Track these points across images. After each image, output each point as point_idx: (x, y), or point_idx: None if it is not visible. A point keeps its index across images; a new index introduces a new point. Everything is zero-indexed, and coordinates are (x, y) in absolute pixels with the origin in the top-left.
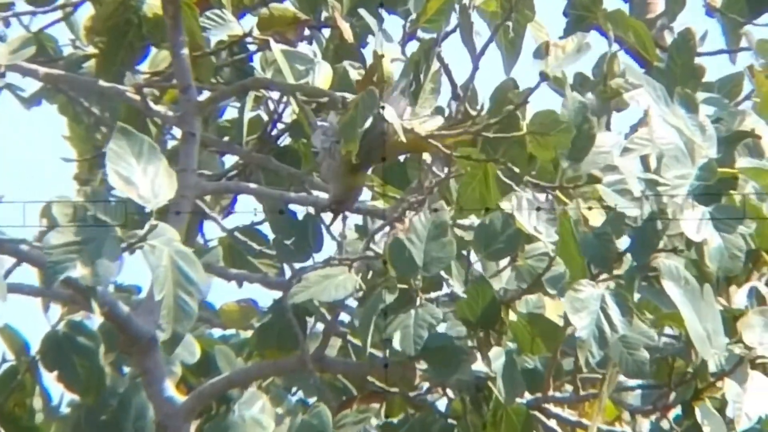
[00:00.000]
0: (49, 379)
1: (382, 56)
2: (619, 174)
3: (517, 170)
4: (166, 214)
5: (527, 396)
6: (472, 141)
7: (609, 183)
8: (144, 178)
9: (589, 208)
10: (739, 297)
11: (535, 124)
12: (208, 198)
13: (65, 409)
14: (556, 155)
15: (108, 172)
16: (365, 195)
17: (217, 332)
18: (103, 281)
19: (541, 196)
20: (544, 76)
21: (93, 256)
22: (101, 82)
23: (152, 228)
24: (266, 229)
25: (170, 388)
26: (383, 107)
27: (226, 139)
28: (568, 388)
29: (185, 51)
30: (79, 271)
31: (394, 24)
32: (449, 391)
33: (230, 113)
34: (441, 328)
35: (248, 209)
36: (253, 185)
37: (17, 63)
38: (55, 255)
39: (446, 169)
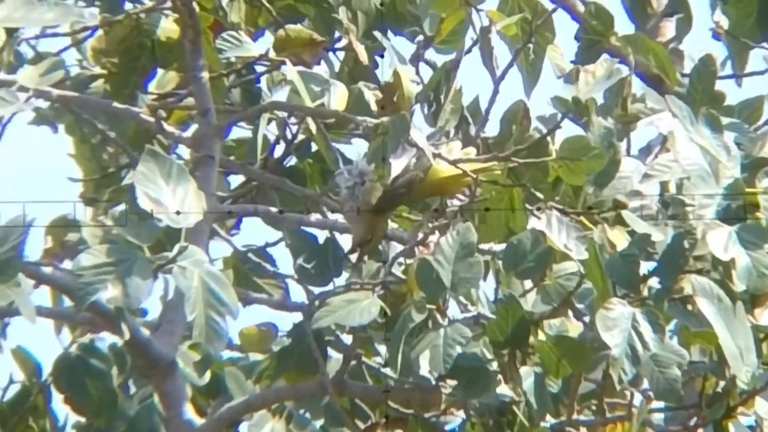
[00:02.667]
0: (56, 401)
1: (401, 75)
2: (643, 199)
3: (540, 196)
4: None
5: (551, 420)
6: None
7: (633, 209)
8: (173, 199)
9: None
10: (764, 317)
11: (564, 149)
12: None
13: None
14: (584, 182)
15: (137, 194)
16: None
17: (226, 354)
18: (134, 303)
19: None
20: (576, 102)
21: (124, 277)
22: (115, 104)
23: (182, 249)
24: (274, 251)
25: (189, 412)
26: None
27: (231, 158)
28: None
29: (205, 75)
30: (109, 293)
31: (401, 47)
32: (469, 416)
33: (235, 133)
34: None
35: (252, 230)
36: (273, 209)
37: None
38: (86, 276)
39: (469, 193)
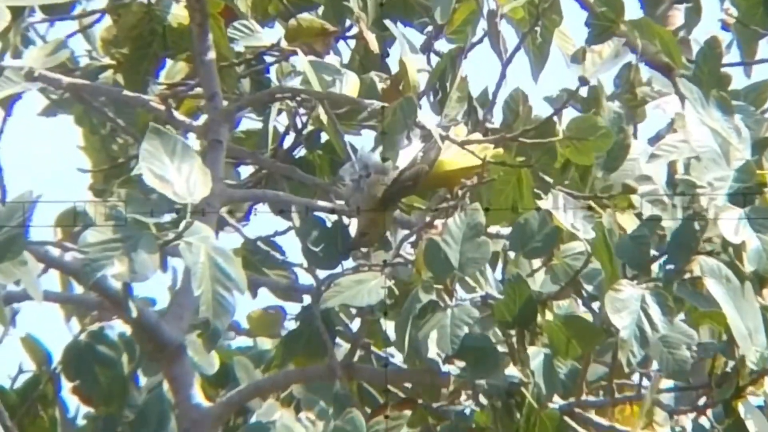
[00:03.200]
0: (66, 390)
1: (406, 65)
2: (653, 184)
3: (549, 180)
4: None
5: (560, 401)
6: (504, 148)
7: (642, 193)
8: (179, 176)
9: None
10: None
11: (572, 129)
12: (223, 209)
13: (81, 422)
14: (592, 162)
15: (142, 171)
16: None
17: (235, 344)
18: (140, 278)
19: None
20: (583, 81)
21: (130, 252)
22: (125, 92)
23: (188, 225)
24: (282, 241)
25: (198, 395)
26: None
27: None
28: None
29: (212, 57)
30: (116, 269)
31: (411, 37)
32: (479, 399)
33: (245, 124)
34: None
35: (262, 220)
36: (281, 193)
37: (41, 72)
38: (92, 253)
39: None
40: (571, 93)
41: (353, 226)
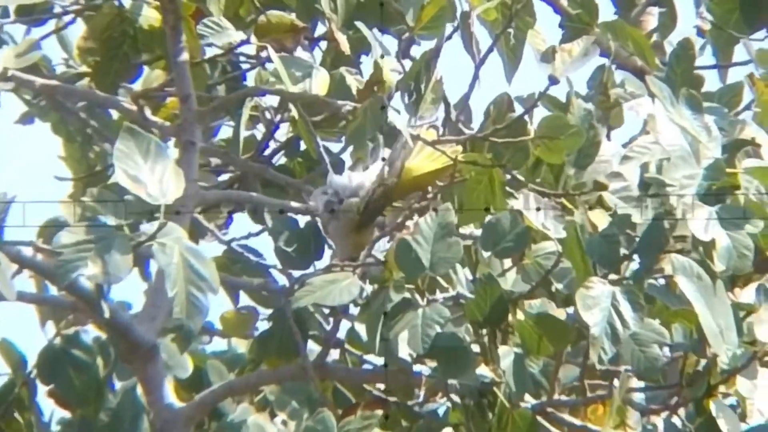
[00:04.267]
0: (42, 395)
1: (381, 65)
2: (624, 181)
3: (521, 178)
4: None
5: (532, 401)
6: (475, 148)
7: (614, 190)
8: (152, 176)
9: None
10: (745, 295)
11: (543, 128)
12: (201, 216)
13: (55, 428)
14: (563, 161)
15: (116, 171)
16: None
17: (209, 348)
18: (114, 279)
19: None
20: (553, 80)
21: (103, 254)
22: (97, 92)
23: (161, 226)
24: (259, 245)
25: (170, 395)
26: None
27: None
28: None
29: (185, 58)
30: (90, 270)
31: (387, 43)
32: (451, 398)
33: (225, 132)
34: None
35: (243, 228)
36: (253, 194)
37: (14, 73)
38: (66, 254)
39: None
40: (541, 92)
41: (336, 248)
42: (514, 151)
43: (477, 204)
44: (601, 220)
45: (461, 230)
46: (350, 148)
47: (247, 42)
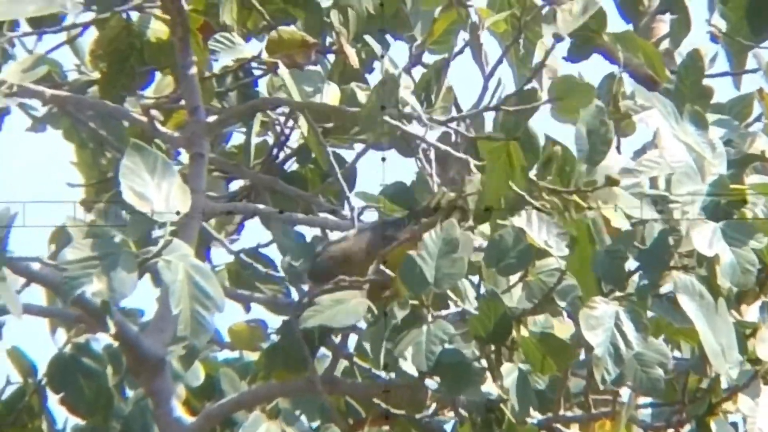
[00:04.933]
0: (54, 402)
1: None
2: (635, 177)
3: (531, 177)
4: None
5: (538, 416)
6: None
7: (625, 186)
8: (158, 193)
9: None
10: (750, 313)
11: (554, 90)
12: (212, 223)
13: None
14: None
15: (122, 188)
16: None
17: (221, 356)
18: (119, 297)
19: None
20: (558, 38)
21: (109, 271)
22: (108, 103)
23: (167, 243)
24: (271, 253)
25: (178, 409)
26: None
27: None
28: (577, 410)
29: (194, 71)
30: (95, 287)
31: (398, 50)
32: (459, 413)
33: (236, 139)
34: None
35: (255, 235)
36: (261, 206)
37: (24, 84)
38: (71, 270)
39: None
40: (548, 51)
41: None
42: (525, 149)
43: (497, 181)
44: (615, 216)
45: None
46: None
47: (258, 58)
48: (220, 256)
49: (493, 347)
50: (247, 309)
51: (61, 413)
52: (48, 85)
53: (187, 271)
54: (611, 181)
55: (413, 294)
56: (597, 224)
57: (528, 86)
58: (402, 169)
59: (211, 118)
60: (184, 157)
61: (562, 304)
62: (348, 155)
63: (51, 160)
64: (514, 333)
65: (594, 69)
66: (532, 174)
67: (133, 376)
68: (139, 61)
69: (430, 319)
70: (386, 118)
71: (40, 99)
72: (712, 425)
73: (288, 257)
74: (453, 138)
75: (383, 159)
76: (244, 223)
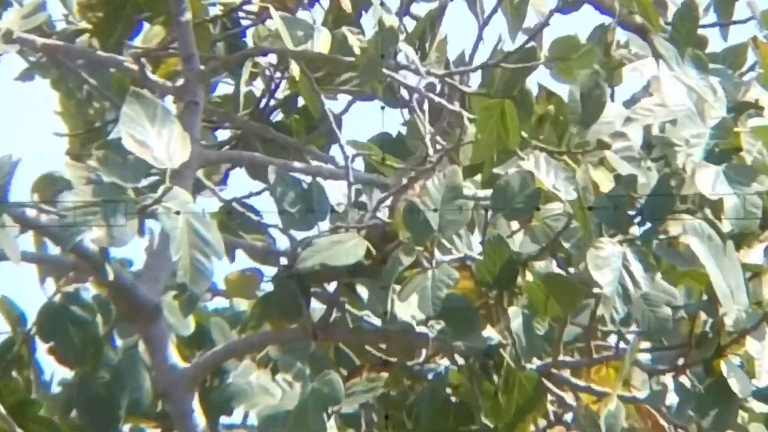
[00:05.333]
0: (41, 353)
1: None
2: (627, 141)
3: (524, 135)
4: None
5: (537, 362)
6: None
7: (617, 150)
8: (158, 140)
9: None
10: (753, 256)
11: (554, 49)
12: (199, 172)
13: (56, 389)
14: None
15: (122, 136)
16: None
17: (211, 304)
18: (118, 243)
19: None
20: None
21: (109, 218)
22: (99, 52)
23: (167, 190)
24: (258, 203)
25: (174, 356)
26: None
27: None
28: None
29: (188, 18)
30: (94, 234)
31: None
32: (454, 359)
33: (222, 89)
34: None
35: (239, 184)
36: (257, 154)
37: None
38: (71, 217)
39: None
40: (551, 11)
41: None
42: (518, 107)
43: (489, 139)
44: (603, 180)
45: (466, 192)
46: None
47: (248, 2)
48: (206, 204)
49: (495, 293)
50: (232, 259)
51: (48, 365)
52: (38, 34)
53: (186, 219)
54: (602, 145)
55: (417, 240)
56: (587, 190)
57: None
58: (388, 119)
59: (202, 67)
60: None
61: (567, 245)
62: (332, 106)
63: (35, 110)
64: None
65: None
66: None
67: (128, 323)
68: (135, 8)
69: (434, 264)
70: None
71: (30, 48)
72: (722, 367)
73: (285, 203)
74: (438, 89)
75: (383, 107)
76: (228, 173)
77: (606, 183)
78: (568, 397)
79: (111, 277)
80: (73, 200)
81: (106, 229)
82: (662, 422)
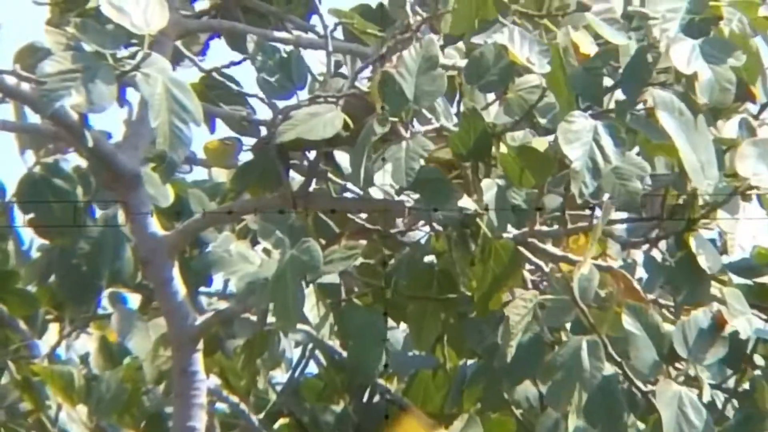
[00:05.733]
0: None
1: None
2: (607, 3)
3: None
4: None
5: (514, 231)
6: None
7: (597, 12)
8: (136, 6)
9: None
10: (728, 129)
11: None
12: (179, 43)
13: (35, 254)
14: None
15: (101, 2)
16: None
17: (190, 177)
18: (98, 108)
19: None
20: None
21: (88, 83)
22: None
23: (145, 56)
24: (239, 73)
25: (154, 224)
26: None
27: None
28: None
29: None
30: (73, 99)
31: None
32: (434, 227)
33: None
34: None
35: (219, 55)
36: (236, 23)
37: None
38: (51, 83)
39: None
40: None
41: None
42: None
43: (467, 10)
44: (584, 41)
45: (444, 61)
46: None
47: None
48: (186, 75)
49: (470, 164)
50: (212, 129)
51: (27, 235)
52: None
53: (165, 85)
54: (582, 7)
55: (392, 110)
56: (567, 52)
57: None
58: None
59: None
60: None
61: (543, 121)
62: None
63: None
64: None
65: None
66: None
67: (108, 192)
68: None
69: (409, 134)
70: None
71: None
72: (691, 241)
73: (264, 72)
74: None
75: None
76: (209, 44)
77: (587, 44)
78: (547, 268)
79: (91, 143)
80: (53, 67)
81: (86, 95)
82: (635, 285)
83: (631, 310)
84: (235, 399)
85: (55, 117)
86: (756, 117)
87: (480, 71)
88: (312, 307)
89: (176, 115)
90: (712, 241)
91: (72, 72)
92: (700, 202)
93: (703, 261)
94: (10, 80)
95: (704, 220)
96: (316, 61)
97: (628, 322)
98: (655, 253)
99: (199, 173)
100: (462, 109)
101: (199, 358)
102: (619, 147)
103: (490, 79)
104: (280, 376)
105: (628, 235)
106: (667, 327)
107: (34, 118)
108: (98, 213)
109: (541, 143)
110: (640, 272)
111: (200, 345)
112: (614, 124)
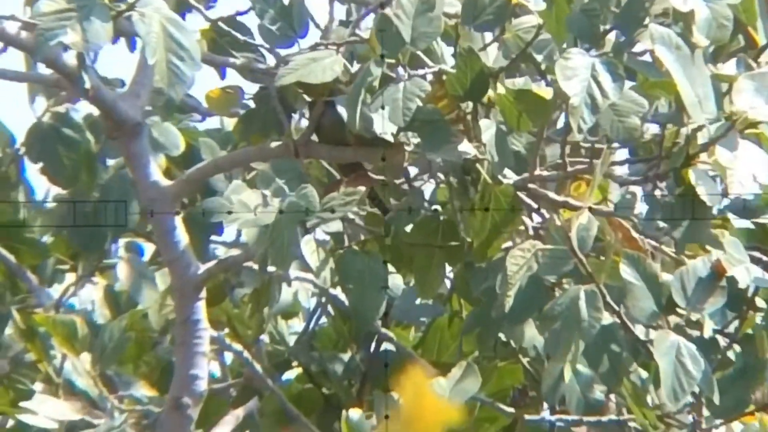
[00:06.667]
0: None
1: None
2: None
3: None
4: None
5: (514, 177)
6: None
7: None
8: None
9: None
10: (726, 68)
11: None
12: None
13: (51, 204)
14: None
15: None
16: None
17: (202, 125)
18: (93, 47)
19: None
20: None
21: (83, 21)
22: None
23: None
24: (247, 21)
25: (156, 173)
26: None
27: None
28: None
29: None
30: (69, 38)
31: None
32: (434, 176)
33: None
34: None
35: (228, 3)
36: None
37: None
38: (46, 22)
39: None
40: None
41: None
42: None
43: None
44: None
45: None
46: None
47: None
48: (195, 23)
49: (468, 106)
50: (222, 76)
51: (39, 182)
52: None
53: (161, 23)
54: None
55: (389, 53)
56: None
57: None
58: None
59: None
60: None
61: (539, 57)
62: None
63: None
64: (490, 91)
65: None
66: None
67: (111, 141)
68: None
69: (406, 76)
70: None
71: None
72: (690, 175)
73: (265, 20)
74: None
75: None
76: None
77: None
78: (548, 215)
79: (88, 86)
80: (48, 6)
81: (81, 33)
82: (634, 234)
83: (629, 259)
84: (239, 347)
85: (53, 64)
86: (755, 59)
87: (475, 11)
88: (312, 253)
89: (174, 53)
90: (713, 178)
91: (67, 11)
92: (699, 140)
93: (702, 192)
94: (11, 28)
95: (703, 156)
96: (324, 11)
97: (626, 272)
98: (656, 192)
99: (211, 122)
100: (458, 49)
101: (201, 306)
102: (617, 83)
103: (485, 18)
104: (298, 325)
105: (629, 175)
106: (665, 276)
107: (41, 67)
108: (110, 162)
109: (542, 92)
110: (640, 208)
111: (203, 294)
112: (612, 61)
